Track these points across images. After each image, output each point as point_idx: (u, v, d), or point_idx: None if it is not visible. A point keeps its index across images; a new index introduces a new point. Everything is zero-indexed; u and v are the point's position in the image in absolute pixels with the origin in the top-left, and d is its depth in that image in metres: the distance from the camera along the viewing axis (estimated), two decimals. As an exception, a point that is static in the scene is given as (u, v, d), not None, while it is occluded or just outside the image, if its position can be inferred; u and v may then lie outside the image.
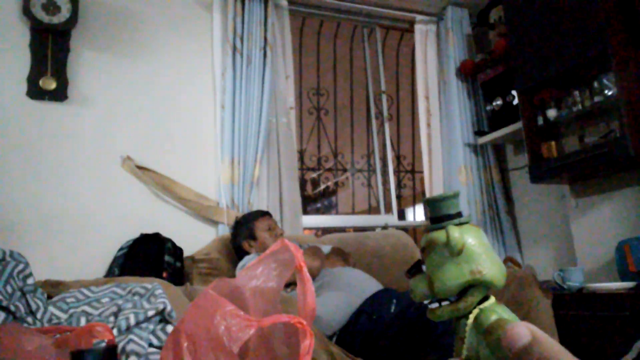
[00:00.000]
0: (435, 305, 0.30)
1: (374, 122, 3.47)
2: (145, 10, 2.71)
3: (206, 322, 0.53)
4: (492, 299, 0.30)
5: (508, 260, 2.85)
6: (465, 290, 0.30)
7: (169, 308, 1.26)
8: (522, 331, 0.26)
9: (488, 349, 0.28)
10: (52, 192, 2.35)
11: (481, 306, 0.30)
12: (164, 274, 2.17)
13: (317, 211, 4.73)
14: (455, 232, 0.29)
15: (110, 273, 2.18)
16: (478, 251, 0.30)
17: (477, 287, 0.30)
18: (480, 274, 0.30)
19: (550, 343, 0.25)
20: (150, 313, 1.22)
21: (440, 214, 0.31)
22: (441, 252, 0.30)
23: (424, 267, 0.31)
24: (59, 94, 2.43)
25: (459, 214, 0.31)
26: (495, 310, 0.29)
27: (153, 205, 2.53)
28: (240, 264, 2.15)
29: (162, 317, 1.25)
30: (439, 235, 0.30)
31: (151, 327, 1.20)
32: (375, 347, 1.71)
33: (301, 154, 3.44)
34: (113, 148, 2.50)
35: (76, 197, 2.36)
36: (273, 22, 2.88)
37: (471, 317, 0.30)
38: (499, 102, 3.13)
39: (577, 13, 2.45)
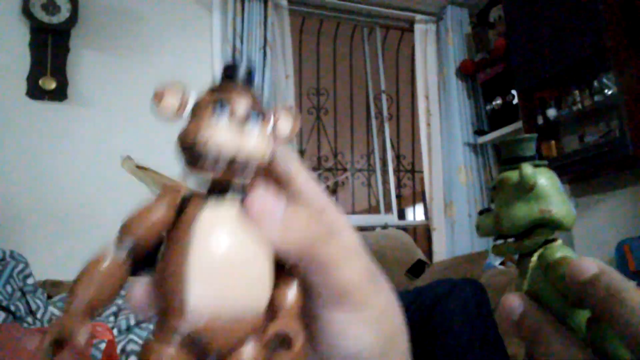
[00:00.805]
0: (500, 241, 0.30)
1: (373, 121, 3.47)
2: (145, 10, 2.71)
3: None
4: (559, 241, 0.30)
5: (508, 260, 2.85)
6: (531, 229, 0.30)
7: (169, 308, 1.26)
8: (589, 263, 0.25)
9: (551, 284, 0.28)
10: (52, 192, 2.35)
11: (547, 245, 0.30)
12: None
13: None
14: (528, 170, 0.29)
15: (110, 273, 2.18)
16: (549, 192, 0.30)
17: (545, 227, 0.29)
18: (549, 212, 0.29)
19: (618, 276, 0.24)
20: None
21: (514, 155, 0.31)
22: (512, 190, 0.30)
23: (492, 207, 0.31)
24: (59, 94, 2.43)
25: (533, 157, 0.31)
26: (561, 249, 0.29)
27: (153, 205, 2.53)
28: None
29: (162, 317, 1.25)
30: (512, 174, 0.30)
31: (151, 327, 1.20)
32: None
33: (301, 153, 3.43)
34: (113, 148, 2.50)
35: (76, 197, 2.36)
36: (273, 22, 2.88)
37: (536, 254, 0.29)
38: (499, 101, 3.13)
39: (577, 12, 2.45)
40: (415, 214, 4.37)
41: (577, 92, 2.55)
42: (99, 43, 2.58)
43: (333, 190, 4.39)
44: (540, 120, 2.73)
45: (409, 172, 3.73)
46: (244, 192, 0.20)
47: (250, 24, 2.79)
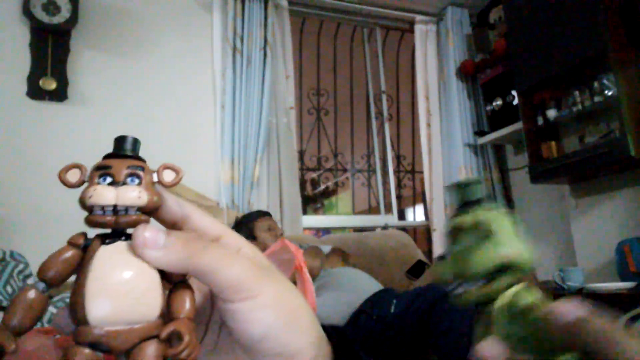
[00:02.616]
0: (460, 290, 0.30)
1: (374, 122, 3.47)
2: (145, 10, 2.71)
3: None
4: (523, 284, 0.30)
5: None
6: (492, 275, 0.29)
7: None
8: (571, 306, 0.24)
9: (524, 329, 0.27)
10: (52, 192, 2.35)
11: (512, 289, 0.29)
12: (164, 274, 2.17)
13: (316, 211, 4.73)
14: (483, 216, 0.29)
15: (110, 273, 2.18)
16: (506, 236, 0.29)
17: (507, 272, 0.29)
18: (508, 257, 0.29)
19: (604, 317, 0.24)
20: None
21: (465, 199, 0.31)
22: (469, 236, 0.30)
23: (454, 249, 0.31)
24: (59, 94, 2.43)
25: (482, 200, 0.31)
26: (529, 293, 0.29)
27: (153, 206, 2.53)
28: (240, 264, 2.15)
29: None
30: (467, 219, 0.30)
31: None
32: (375, 348, 1.71)
33: (301, 154, 3.43)
34: (113, 148, 2.50)
35: (76, 198, 2.36)
36: (273, 22, 2.88)
37: (500, 299, 0.29)
38: (499, 102, 3.13)
39: (577, 13, 2.45)
40: (416, 215, 4.37)
41: (577, 92, 2.55)
42: (99, 43, 2.58)
43: (333, 191, 4.38)
44: (540, 121, 2.73)
45: (409, 172, 3.73)
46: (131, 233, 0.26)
47: (251, 24, 2.79)
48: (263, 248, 2.16)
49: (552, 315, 0.25)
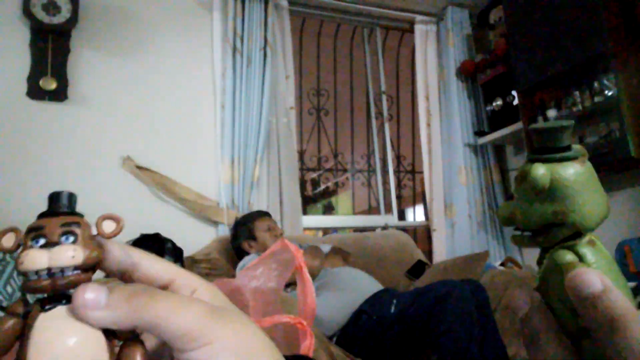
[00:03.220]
0: (518, 232, 0.30)
1: (374, 122, 3.47)
2: (146, 10, 2.71)
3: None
4: (585, 238, 0.28)
5: (508, 261, 2.85)
6: (548, 227, 0.29)
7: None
8: (593, 278, 0.24)
9: (557, 287, 0.27)
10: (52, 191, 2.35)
11: (565, 244, 0.28)
12: (164, 274, 2.17)
13: (326, 211, 4.73)
14: (538, 171, 0.28)
15: (110, 273, 2.18)
16: (567, 192, 0.28)
17: (562, 226, 0.28)
18: (563, 215, 0.28)
19: (618, 296, 0.24)
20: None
21: (544, 144, 0.29)
22: (530, 187, 0.29)
23: (511, 196, 0.30)
24: (59, 94, 2.43)
25: (567, 148, 0.30)
26: (576, 251, 0.28)
27: (153, 205, 2.53)
28: (240, 264, 2.15)
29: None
30: (534, 169, 0.28)
31: None
32: (375, 348, 1.71)
33: (301, 154, 3.44)
34: (113, 148, 2.51)
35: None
36: (273, 23, 2.88)
37: (550, 252, 0.29)
38: (499, 102, 3.13)
39: (577, 13, 2.45)
40: (416, 215, 4.37)
41: (577, 93, 2.55)
42: (99, 43, 2.58)
43: (333, 191, 4.39)
44: (540, 121, 2.73)
45: (409, 172, 3.73)
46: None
47: (251, 25, 2.79)
48: (263, 248, 2.16)
49: (571, 284, 0.25)
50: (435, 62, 3.34)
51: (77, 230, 0.26)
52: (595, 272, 0.25)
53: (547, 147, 0.29)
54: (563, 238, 0.28)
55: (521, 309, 0.26)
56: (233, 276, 1.85)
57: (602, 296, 0.24)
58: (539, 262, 0.30)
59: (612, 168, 2.44)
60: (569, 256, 0.28)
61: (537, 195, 0.28)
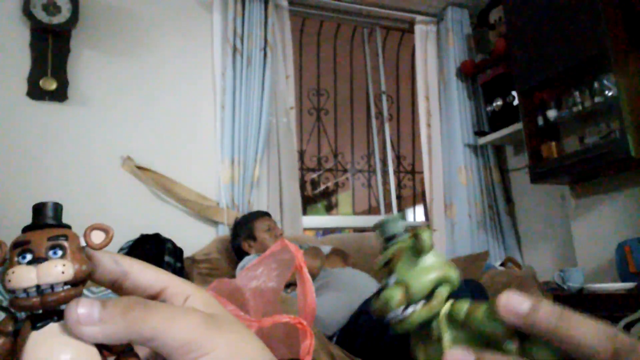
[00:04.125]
0: (409, 310, 0.32)
1: (374, 122, 3.47)
2: (146, 10, 2.71)
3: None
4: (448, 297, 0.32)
5: (508, 261, 2.85)
6: (432, 292, 0.32)
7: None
8: (519, 296, 0.26)
9: (472, 333, 0.29)
10: (52, 192, 2.35)
11: (448, 302, 0.32)
12: (164, 274, 2.17)
13: (328, 210, 4.73)
14: (425, 234, 0.32)
15: (110, 273, 2.18)
16: (439, 254, 0.33)
17: (443, 285, 0.32)
18: (447, 268, 0.32)
19: (552, 306, 0.25)
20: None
21: (386, 235, 0.35)
22: (410, 256, 0.32)
23: (392, 279, 0.33)
24: (59, 94, 2.43)
25: (404, 232, 0.35)
26: (464, 301, 0.31)
27: (153, 206, 2.53)
28: (240, 264, 2.15)
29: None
30: (404, 243, 0.33)
31: None
32: (375, 348, 1.71)
33: (301, 154, 3.44)
34: (113, 148, 2.51)
35: (76, 197, 2.36)
36: (273, 23, 2.88)
37: (442, 312, 0.31)
38: (499, 102, 3.13)
39: (577, 13, 2.45)
40: (416, 215, 4.37)
41: (577, 93, 2.55)
42: (99, 43, 2.58)
43: (333, 191, 4.38)
44: (540, 121, 2.73)
45: (409, 172, 3.73)
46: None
47: (251, 25, 2.79)
48: (263, 248, 2.16)
49: (506, 307, 0.26)
50: (435, 62, 3.34)
51: (65, 244, 0.25)
52: (514, 293, 0.27)
53: (389, 237, 0.35)
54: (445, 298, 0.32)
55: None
56: (233, 276, 1.85)
57: (542, 304, 0.25)
58: (420, 337, 0.33)
59: (612, 168, 2.44)
60: (465, 305, 0.30)
61: (419, 263, 0.32)
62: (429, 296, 0.32)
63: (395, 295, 0.32)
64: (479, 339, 0.29)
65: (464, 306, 0.30)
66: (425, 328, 0.32)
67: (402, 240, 0.34)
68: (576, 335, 0.24)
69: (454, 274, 0.32)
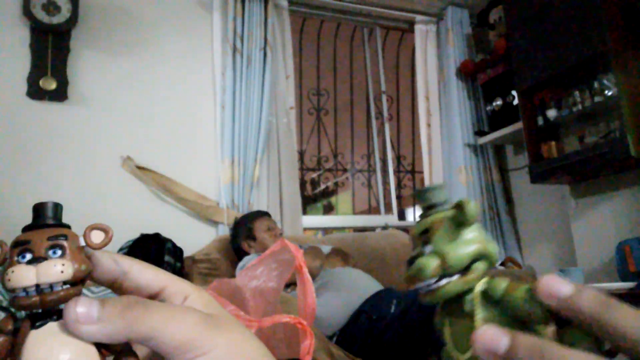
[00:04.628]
0: (444, 281, 0.31)
1: (374, 122, 3.47)
2: (146, 10, 2.71)
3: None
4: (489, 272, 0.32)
5: (508, 261, 2.85)
6: (468, 266, 0.31)
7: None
8: (560, 280, 0.25)
9: (506, 313, 0.29)
10: (52, 192, 2.35)
11: (485, 278, 0.31)
12: (164, 274, 2.17)
13: (326, 211, 4.72)
14: (470, 204, 0.31)
15: (110, 273, 2.18)
16: (480, 228, 0.32)
17: (481, 260, 0.31)
18: (486, 243, 0.31)
19: (597, 293, 0.25)
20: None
21: (432, 202, 0.33)
22: (449, 227, 0.31)
23: (428, 249, 0.32)
24: (59, 94, 2.43)
25: (446, 202, 0.34)
26: (502, 278, 0.30)
27: (153, 206, 2.53)
28: (240, 264, 2.15)
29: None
30: (445, 213, 0.32)
31: None
32: (375, 348, 1.71)
33: (301, 154, 3.44)
34: (113, 148, 2.51)
35: (76, 197, 2.36)
36: (273, 23, 2.88)
37: (477, 288, 0.30)
38: (499, 102, 3.13)
39: (577, 13, 2.45)
40: (416, 215, 4.37)
41: (577, 93, 2.55)
42: (99, 43, 2.58)
43: (333, 191, 4.38)
44: (540, 121, 2.73)
45: (409, 172, 3.73)
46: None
47: (251, 25, 2.79)
48: (262, 248, 2.16)
49: (546, 290, 0.26)
50: (435, 62, 3.34)
51: (65, 243, 0.25)
52: (555, 277, 0.26)
53: (430, 205, 0.33)
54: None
55: (501, 339, 0.25)
56: (233, 276, 1.85)
57: (584, 290, 0.25)
58: (451, 310, 0.32)
59: (612, 168, 2.44)
60: (503, 283, 0.30)
61: (460, 235, 0.31)
62: (465, 270, 0.31)
63: (431, 264, 0.31)
64: (513, 320, 0.28)
65: (502, 284, 0.29)
66: (455, 302, 0.31)
67: (443, 209, 0.33)
68: (621, 326, 0.23)
69: (494, 251, 0.31)
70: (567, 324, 0.26)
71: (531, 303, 0.27)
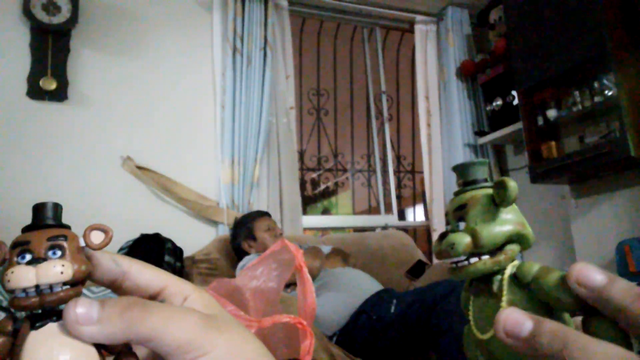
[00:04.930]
0: (475, 259, 0.30)
1: (374, 122, 3.47)
2: (146, 10, 2.71)
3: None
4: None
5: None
6: (502, 246, 0.30)
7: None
8: (595, 270, 0.25)
9: (534, 297, 0.28)
10: (52, 192, 2.35)
11: (515, 261, 0.30)
12: (164, 274, 2.17)
13: (324, 212, 4.72)
14: (512, 183, 0.30)
15: (110, 273, 2.18)
16: (518, 208, 0.31)
17: (515, 242, 0.31)
18: (523, 226, 0.30)
19: (630, 284, 0.24)
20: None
21: (472, 177, 0.33)
22: (486, 205, 0.31)
23: (461, 225, 0.31)
24: (59, 94, 2.43)
25: (487, 179, 0.33)
26: (534, 263, 0.29)
27: (153, 206, 2.53)
28: (240, 264, 2.15)
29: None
30: (485, 190, 0.32)
31: None
32: (375, 348, 1.71)
33: (301, 154, 3.44)
34: (113, 148, 2.51)
35: (76, 197, 2.36)
36: (273, 23, 2.88)
37: (508, 270, 0.30)
38: (499, 102, 3.13)
39: (577, 13, 2.45)
40: (416, 215, 4.38)
41: (577, 93, 2.55)
42: (99, 43, 2.58)
43: (333, 191, 4.38)
44: (540, 121, 2.73)
45: (409, 172, 3.73)
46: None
47: (251, 24, 2.79)
48: (262, 248, 2.16)
49: (579, 278, 0.25)
50: (435, 62, 3.34)
51: (65, 244, 0.25)
52: (588, 265, 0.25)
53: (474, 180, 0.33)
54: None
55: (523, 323, 0.25)
56: (233, 276, 1.85)
57: (615, 283, 0.24)
58: (478, 289, 0.31)
59: (612, 168, 2.44)
60: (535, 266, 0.29)
61: (498, 214, 0.30)
62: (497, 250, 0.30)
63: (463, 240, 0.30)
64: (539, 306, 0.28)
65: (533, 268, 0.29)
66: (483, 282, 0.31)
67: (482, 186, 0.32)
68: None
69: (530, 234, 0.31)
70: (594, 314, 0.25)
71: (561, 290, 0.26)
